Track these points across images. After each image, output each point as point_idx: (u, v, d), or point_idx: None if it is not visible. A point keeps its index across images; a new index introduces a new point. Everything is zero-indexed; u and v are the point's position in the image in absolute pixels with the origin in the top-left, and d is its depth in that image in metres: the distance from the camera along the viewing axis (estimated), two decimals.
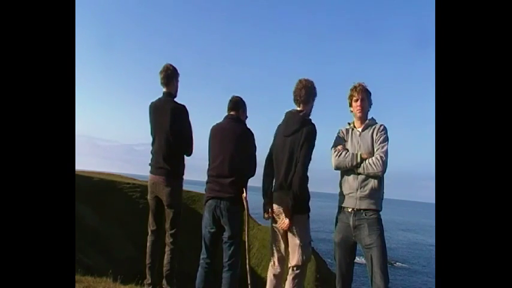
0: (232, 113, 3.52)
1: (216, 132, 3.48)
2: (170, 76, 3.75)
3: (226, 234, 3.34)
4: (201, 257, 3.44)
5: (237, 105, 3.53)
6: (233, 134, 3.39)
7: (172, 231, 3.70)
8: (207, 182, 3.46)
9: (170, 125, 3.60)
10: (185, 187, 4.00)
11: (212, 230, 3.38)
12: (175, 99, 3.77)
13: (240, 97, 3.59)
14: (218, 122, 3.55)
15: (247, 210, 3.42)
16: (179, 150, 3.70)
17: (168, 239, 3.71)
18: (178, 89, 3.85)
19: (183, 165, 3.77)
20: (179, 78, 3.84)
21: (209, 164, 3.47)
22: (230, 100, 3.55)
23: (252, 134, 3.45)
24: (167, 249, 3.72)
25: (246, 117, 3.62)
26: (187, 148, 3.72)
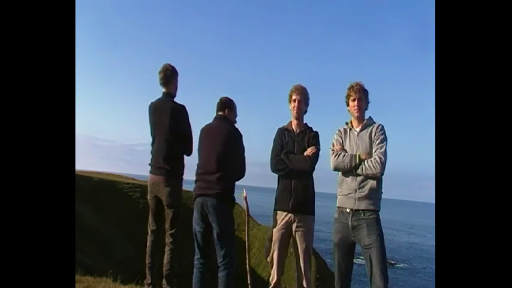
0: (220, 113, 3.54)
1: (205, 132, 3.52)
2: (169, 76, 3.74)
3: (215, 232, 3.32)
4: (195, 257, 3.44)
5: (225, 106, 3.55)
6: (221, 133, 3.42)
7: (172, 231, 3.70)
8: (195, 181, 3.48)
9: (170, 125, 3.60)
10: (185, 187, 4.01)
11: (201, 229, 3.37)
12: (174, 99, 3.77)
13: (228, 98, 3.62)
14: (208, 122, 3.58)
15: (247, 210, 3.42)
16: (179, 150, 3.71)
17: (168, 239, 3.71)
18: (178, 89, 3.86)
19: (183, 165, 3.78)
20: (178, 78, 3.84)
21: (197, 164, 3.50)
22: (218, 101, 3.58)
23: (240, 135, 3.47)
24: (167, 249, 3.72)
25: (236, 115, 3.63)
26: (187, 148, 3.72)
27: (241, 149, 3.45)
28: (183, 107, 3.69)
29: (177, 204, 3.73)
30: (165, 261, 3.70)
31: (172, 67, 3.77)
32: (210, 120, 3.55)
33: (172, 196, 3.66)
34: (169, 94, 3.76)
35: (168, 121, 3.60)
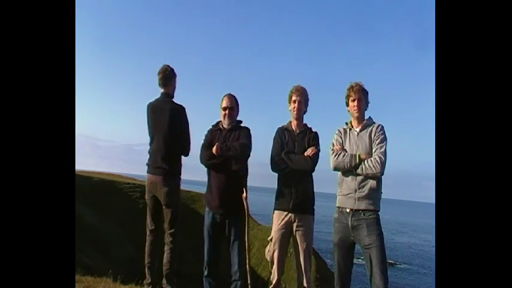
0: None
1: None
2: (168, 77, 3.76)
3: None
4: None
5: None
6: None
7: (172, 230, 3.70)
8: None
9: (169, 125, 3.62)
10: (185, 187, 4.03)
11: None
12: (173, 100, 3.78)
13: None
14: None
15: (247, 211, 3.39)
16: (177, 150, 3.71)
17: (168, 239, 3.71)
18: (177, 90, 3.87)
19: (180, 165, 3.78)
20: (176, 79, 3.85)
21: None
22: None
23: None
24: (166, 248, 3.72)
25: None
26: (184, 148, 3.72)
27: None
28: (182, 107, 3.70)
29: (176, 204, 3.73)
30: (164, 260, 3.71)
31: (171, 68, 3.79)
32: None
33: (170, 196, 3.66)
34: (168, 94, 3.77)
35: (167, 121, 3.62)
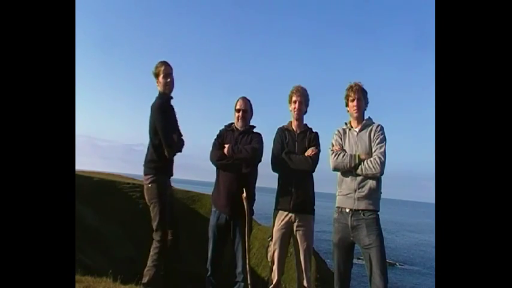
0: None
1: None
2: (155, 76, 3.63)
3: None
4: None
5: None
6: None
7: (155, 231, 3.47)
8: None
9: (149, 122, 3.54)
10: (185, 187, 3.99)
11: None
12: (170, 96, 3.66)
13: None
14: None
15: (248, 211, 3.37)
16: (158, 149, 3.53)
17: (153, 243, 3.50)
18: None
19: (164, 163, 3.57)
20: (164, 75, 3.62)
21: None
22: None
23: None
24: (150, 253, 3.50)
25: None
26: (167, 147, 3.51)
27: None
28: (160, 104, 3.55)
29: (155, 202, 3.48)
30: (147, 264, 3.49)
31: (155, 68, 3.64)
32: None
33: (147, 193, 3.53)
34: (159, 93, 3.68)
35: (149, 118, 3.54)
